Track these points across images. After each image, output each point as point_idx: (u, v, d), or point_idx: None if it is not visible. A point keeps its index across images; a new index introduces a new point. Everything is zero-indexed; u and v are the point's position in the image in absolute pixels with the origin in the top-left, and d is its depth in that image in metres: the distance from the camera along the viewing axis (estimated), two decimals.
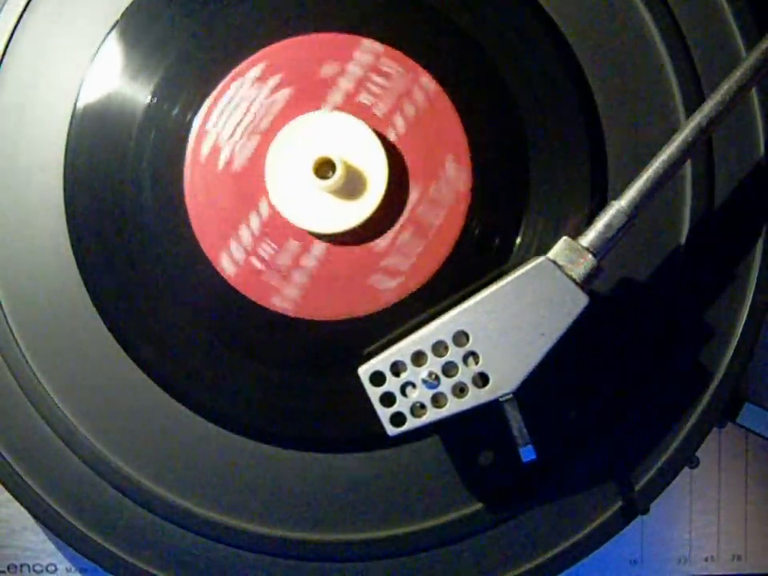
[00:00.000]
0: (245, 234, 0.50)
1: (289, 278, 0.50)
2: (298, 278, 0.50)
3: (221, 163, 0.50)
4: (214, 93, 0.51)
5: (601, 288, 0.51)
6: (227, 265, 0.50)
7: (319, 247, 0.50)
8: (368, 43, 0.51)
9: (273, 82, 0.51)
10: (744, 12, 0.52)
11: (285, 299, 0.50)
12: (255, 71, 0.51)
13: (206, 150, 0.50)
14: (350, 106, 0.51)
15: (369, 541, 0.52)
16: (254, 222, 0.50)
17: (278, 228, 0.50)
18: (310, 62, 0.51)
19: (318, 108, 0.50)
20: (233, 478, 0.52)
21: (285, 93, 0.51)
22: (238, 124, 0.50)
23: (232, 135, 0.50)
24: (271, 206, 0.50)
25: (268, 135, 0.50)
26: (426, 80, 0.51)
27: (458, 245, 0.51)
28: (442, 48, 0.51)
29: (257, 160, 0.50)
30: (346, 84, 0.51)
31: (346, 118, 0.50)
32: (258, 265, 0.50)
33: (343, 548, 0.52)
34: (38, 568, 0.58)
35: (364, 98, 0.51)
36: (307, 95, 0.51)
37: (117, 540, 0.52)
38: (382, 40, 0.51)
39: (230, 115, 0.50)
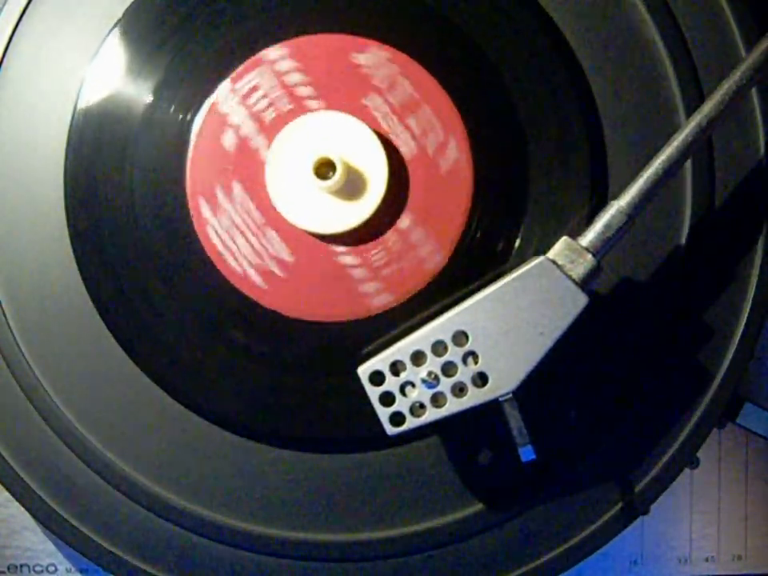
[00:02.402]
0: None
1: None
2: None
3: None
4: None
5: (601, 288, 0.51)
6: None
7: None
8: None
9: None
10: (744, 12, 0.52)
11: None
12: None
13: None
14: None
15: (369, 541, 0.52)
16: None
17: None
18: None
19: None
20: (233, 478, 0.52)
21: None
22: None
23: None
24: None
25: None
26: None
27: (458, 245, 0.51)
28: (442, 48, 0.52)
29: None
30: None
31: (346, 118, 0.50)
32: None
33: (343, 548, 0.52)
34: (38, 568, 0.58)
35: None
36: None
37: (117, 540, 0.52)
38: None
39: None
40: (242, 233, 0.50)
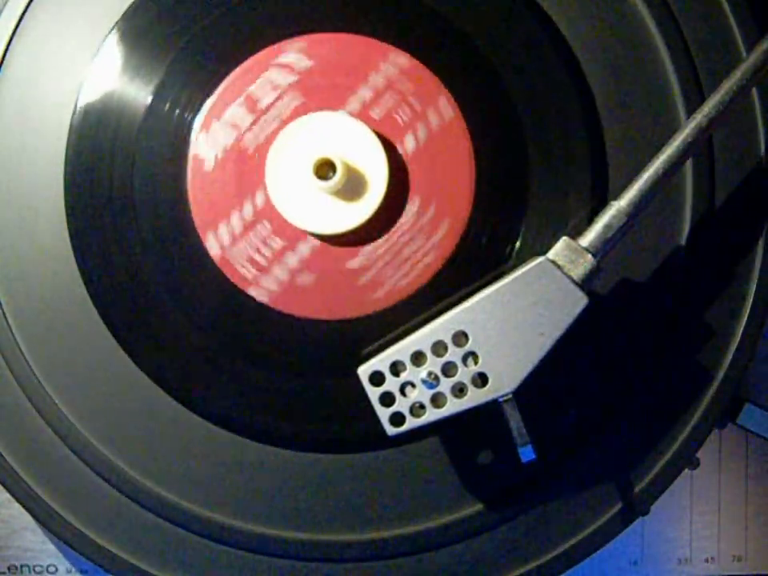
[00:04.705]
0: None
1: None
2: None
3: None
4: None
5: (601, 288, 0.51)
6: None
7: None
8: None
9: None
10: (744, 12, 0.53)
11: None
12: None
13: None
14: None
15: (369, 541, 0.52)
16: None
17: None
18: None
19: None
20: (233, 478, 0.52)
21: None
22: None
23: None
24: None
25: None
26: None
27: (458, 245, 0.51)
28: (442, 49, 0.52)
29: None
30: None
31: (347, 119, 0.50)
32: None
33: (343, 548, 0.52)
34: (38, 569, 0.58)
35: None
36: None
37: (117, 540, 0.52)
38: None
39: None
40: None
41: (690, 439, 0.53)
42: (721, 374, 0.52)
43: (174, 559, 0.52)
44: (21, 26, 0.52)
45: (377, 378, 0.47)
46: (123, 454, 0.52)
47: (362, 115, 0.50)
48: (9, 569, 0.58)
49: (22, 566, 0.58)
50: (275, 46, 0.51)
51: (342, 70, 0.51)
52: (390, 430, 0.47)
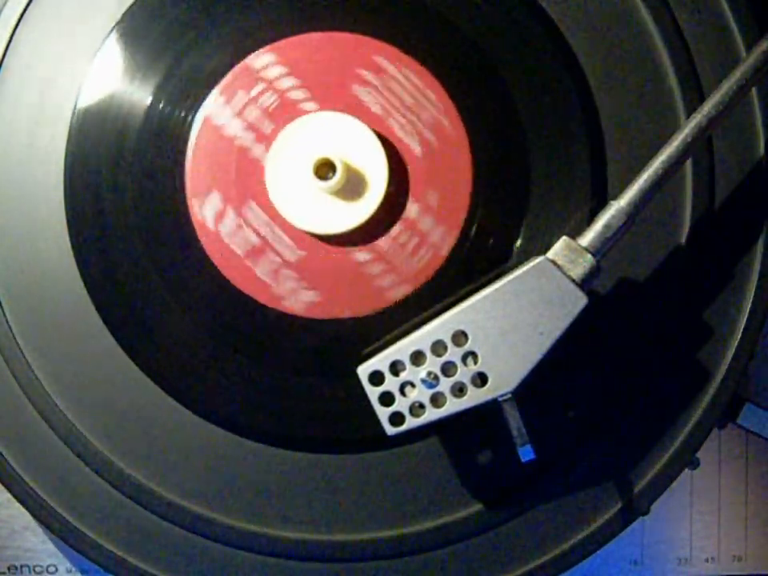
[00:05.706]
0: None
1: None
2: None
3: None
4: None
5: (600, 288, 0.51)
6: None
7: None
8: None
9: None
10: (744, 12, 0.53)
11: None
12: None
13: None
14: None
15: (369, 541, 0.52)
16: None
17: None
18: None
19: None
20: (233, 477, 0.52)
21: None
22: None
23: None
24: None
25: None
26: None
27: (457, 245, 0.51)
28: (441, 48, 0.52)
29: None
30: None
31: (346, 119, 0.50)
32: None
33: (343, 548, 0.52)
34: (38, 569, 0.58)
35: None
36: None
37: (117, 540, 0.52)
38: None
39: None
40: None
41: (689, 439, 0.53)
42: (721, 374, 0.52)
43: (174, 559, 0.52)
44: (21, 25, 0.52)
45: (376, 378, 0.47)
46: (123, 453, 0.52)
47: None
48: (9, 569, 0.58)
49: (21, 566, 0.58)
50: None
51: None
52: (390, 430, 0.47)
